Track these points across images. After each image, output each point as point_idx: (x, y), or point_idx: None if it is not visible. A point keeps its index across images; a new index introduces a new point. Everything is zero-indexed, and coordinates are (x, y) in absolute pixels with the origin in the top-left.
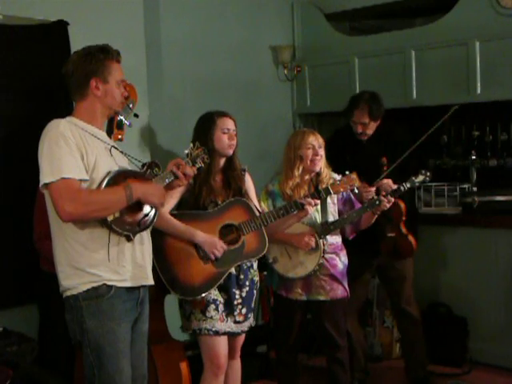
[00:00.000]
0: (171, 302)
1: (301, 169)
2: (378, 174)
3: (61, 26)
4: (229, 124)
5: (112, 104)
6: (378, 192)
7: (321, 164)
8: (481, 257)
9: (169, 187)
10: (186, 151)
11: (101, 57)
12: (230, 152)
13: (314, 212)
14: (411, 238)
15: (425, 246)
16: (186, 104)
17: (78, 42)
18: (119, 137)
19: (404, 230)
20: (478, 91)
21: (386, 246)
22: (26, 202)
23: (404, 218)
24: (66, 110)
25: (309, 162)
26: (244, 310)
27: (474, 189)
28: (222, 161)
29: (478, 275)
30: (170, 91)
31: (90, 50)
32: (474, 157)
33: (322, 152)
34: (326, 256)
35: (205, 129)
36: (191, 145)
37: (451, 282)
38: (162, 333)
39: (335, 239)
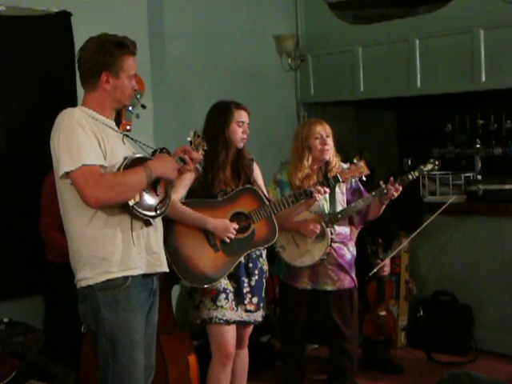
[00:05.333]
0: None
1: (310, 159)
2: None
3: (64, 17)
4: (244, 117)
5: (121, 98)
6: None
7: (330, 153)
8: (486, 245)
9: (178, 173)
10: (189, 138)
11: (116, 52)
12: (241, 145)
13: (323, 201)
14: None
15: (430, 234)
16: (189, 94)
17: (81, 32)
18: (127, 127)
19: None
20: (483, 79)
21: (371, 325)
22: (31, 193)
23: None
24: (69, 101)
25: (318, 152)
26: (255, 300)
27: (479, 177)
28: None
29: (483, 263)
30: (173, 82)
31: (106, 42)
32: (478, 145)
33: (330, 141)
34: (334, 245)
35: (221, 118)
36: (191, 133)
37: (456, 271)
38: (170, 322)
39: (343, 229)
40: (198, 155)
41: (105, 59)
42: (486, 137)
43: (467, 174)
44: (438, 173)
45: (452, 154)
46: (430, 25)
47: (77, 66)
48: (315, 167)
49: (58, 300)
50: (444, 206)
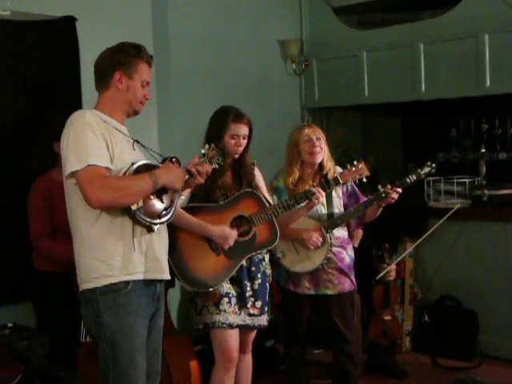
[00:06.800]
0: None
1: (299, 163)
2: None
3: (69, 22)
4: (240, 130)
5: (133, 101)
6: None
7: (321, 156)
8: (491, 250)
9: (185, 185)
10: (203, 151)
11: (131, 52)
12: (236, 156)
13: (320, 206)
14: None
15: (434, 239)
16: (194, 100)
17: (85, 37)
18: None
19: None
20: (488, 84)
21: (377, 330)
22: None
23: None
24: (73, 106)
25: (307, 155)
26: (258, 304)
27: (484, 182)
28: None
29: (487, 268)
30: (178, 87)
31: (123, 44)
32: (483, 150)
33: (321, 144)
34: (333, 249)
35: (217, 127)
36: (207, 145)
37: (461, 275)
38: (169, 326)
39: (341, 233)
40: (207, 168)
41: (119, 58)
42: (490, 142)
43: (472, 179)
44: (442, 178)
45: (456, 159)
46: (435, 30)
47: (94, 69)
48: (309, 171)
49: (46, 308)
50: (451, 212)
